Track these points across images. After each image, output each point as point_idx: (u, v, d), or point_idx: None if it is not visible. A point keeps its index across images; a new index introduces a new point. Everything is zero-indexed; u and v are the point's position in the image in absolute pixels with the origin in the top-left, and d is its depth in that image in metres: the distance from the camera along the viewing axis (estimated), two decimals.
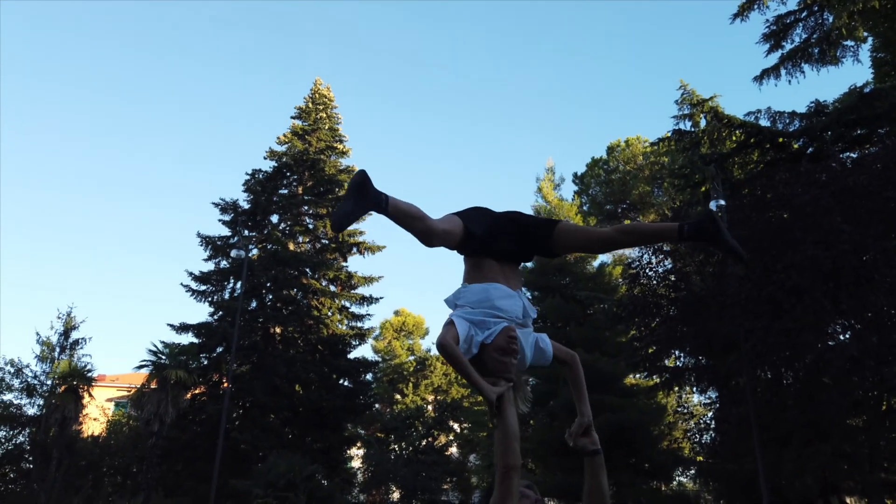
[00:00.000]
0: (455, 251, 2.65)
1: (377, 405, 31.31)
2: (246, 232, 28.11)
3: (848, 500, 16.70)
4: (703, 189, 18.09)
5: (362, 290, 28.59)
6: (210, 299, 26.90)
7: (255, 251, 27.70)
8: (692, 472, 23.79)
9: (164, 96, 70.17)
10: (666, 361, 17.95)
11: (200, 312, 64.49)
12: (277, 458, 19.95)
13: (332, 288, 28.41)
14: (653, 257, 16.45)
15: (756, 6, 18.65)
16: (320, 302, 27.38)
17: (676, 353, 17.34)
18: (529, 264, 24.45)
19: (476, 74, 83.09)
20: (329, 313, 27.64)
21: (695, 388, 20.67)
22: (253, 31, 79.98)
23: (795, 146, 17.64)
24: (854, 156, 16.17)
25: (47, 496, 21.95)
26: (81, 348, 26.12)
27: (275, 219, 29.12)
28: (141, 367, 23.43)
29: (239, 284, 25.61)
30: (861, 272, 12.10)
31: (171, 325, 25.83)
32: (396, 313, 40.09)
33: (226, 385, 22.52)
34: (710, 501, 24.06)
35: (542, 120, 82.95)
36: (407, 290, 76.05)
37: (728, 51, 77.61)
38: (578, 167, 44.61)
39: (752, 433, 13.43)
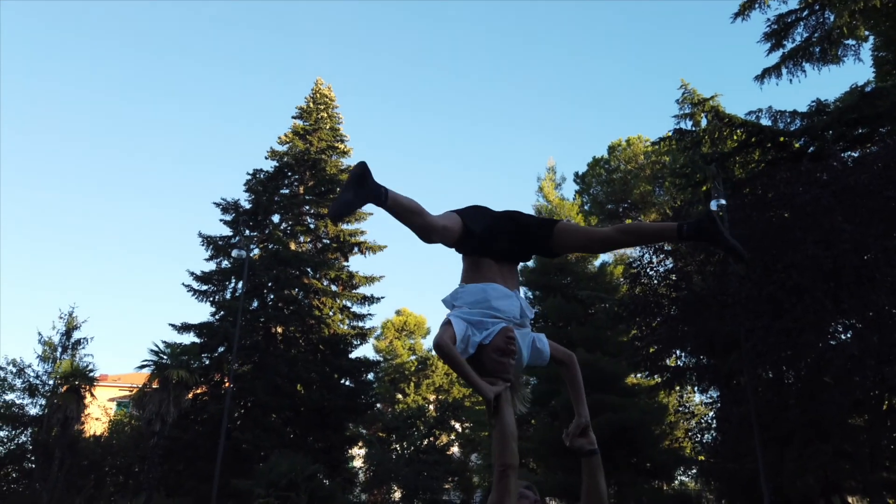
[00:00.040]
0: (453, 249, 2.64)
1: (378, 405, 31.33)
2: (247, 232, 28.14)
3: (850, 500, 16.68)
4: (704, 188, 18.08)
5: (363, 290, 28.63)
6: (211, 299, 26.95)
7: (256, 251, 27.74)
8: (693, 471, 23.77)
9: (165, 96, 70.27)
10: (667, 361, 17.95)
11: (202, 312, 64.67)
12: (279, 457, 19.96)
13: (334, 288, 28.43)
14: (654, 257, 16.45)
15: (757, 5, 18.63)
16: (322, 302, 27.40)
17: (677, 352, 17.34)
18: (531, 264, 24.46)
19: (477, 74, 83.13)
20: (330, 313, 27.66)
21: (696, 388, 20.67)
22: (254, 31, 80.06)
23: (796, 145, 17.63)
24: (855, 155, 16.16)
25: (49, 496, 21.99)
26: (83, 348, 26.19)
27: (276, 218, 29.15)
28: (142, 366, 23.46)
29: (240, 284, 25.64)
30: (862, 271, 12.09)
31: (173, 325, 25.93)
32: (398, 313, 40.12)
33: (227, 385, 22.54)
34: (711, 501, 24.05)
35: (543, 119, 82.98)
36: (408, 290, 76.13)
37: (729, 50, 77.59)
38: (579, 166, 44.54)
39: (753, 432, 13.43)
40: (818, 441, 13.43)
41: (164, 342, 23.75)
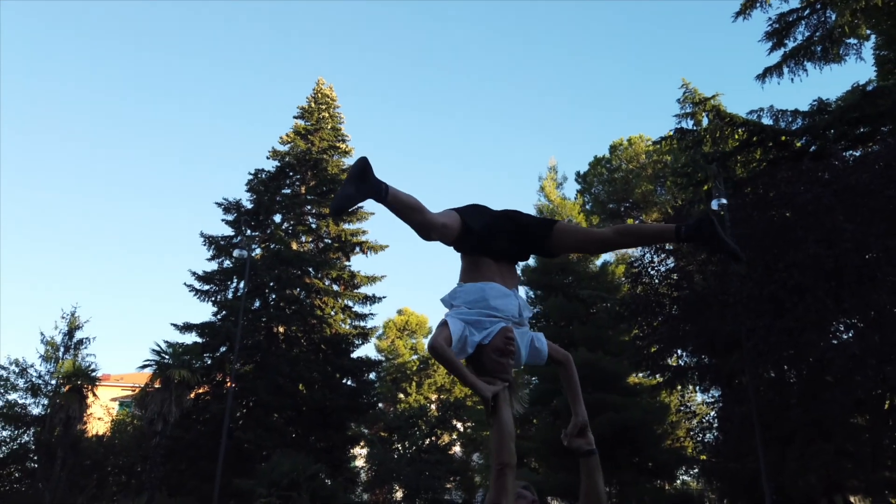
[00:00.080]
0: (452, 247, 2.64)
1: (380, 404, 31.34)
2: (249, 231, 28.17)
3: (852, 499, 16.66)
4: (706, 188, 18.07)
5: (365, 290, 28.64)
6: (213, 299, 26.99)
7: (258, 251, 27.76)
8: (695, 471, 23.76)
9: (166, 96, 70.38)
10: (668, 360, 17.95)
11: (204, 312, 64.83)
12: (281, 457, 19.98)
13: (335, 287, 28.44)
14: (655, 256, 16.45)
15: (758, 4, 18.60)
16: (323, 301, 27.41)
17: (679, 352, 17.33)
18: (532, 263, 24.45)
19: (478, 74, 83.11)
20: (332, 313, 27.67)
21: (697, 387, 20.65)
22: (255, 31, 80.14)
23: (798, 144, 17.61)
24: (857, 154, 16.13)
25: (52, 495, 22.05)
26: (85, 348, 26.26)
27: (278, 218, 29.18)
28: (144, 366, 23.50)
29: (242, 284, 25.67)
30: (863, 271, 12.08)
31: (175, 325, 25.95)
32: (399, 312, 40.14)
33: (229, 384, 22.57)
34: (713, 501, 24.04)
35: (544, 119, 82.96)
36: (410, 290, 76.15)
37: (730, 49, 77.50)
38: (581, 166, 44.53)
39: (755, 432, 13.42)
40: (820, 440, 13.42)
41: (166, 342, 23.80)
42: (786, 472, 14.60)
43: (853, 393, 12.15)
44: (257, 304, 26.83)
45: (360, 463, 29.33)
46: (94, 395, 24.96)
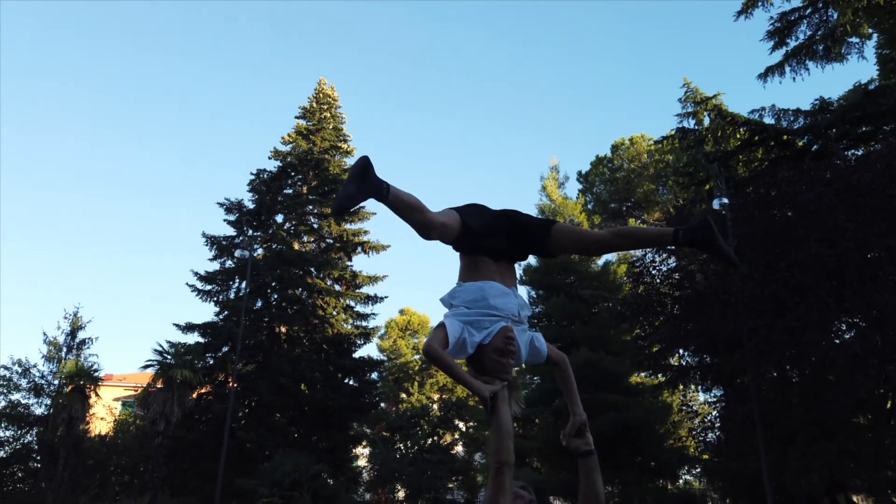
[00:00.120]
0: (451, 246, 2.65)
1: (382, 404, 31.35)
2: (251, 232, 28.21)
3: (855, 499, 16.64)
4: (707, 187, 18.04)
5: (367, 290, 28.67)
6: (215, 299, 27.03)
7: (260, 251, 27.79)
8: (698, 470, 23.75)
9: (168, 96, 70.49)
10: (670, 360, 17.93)
11: (206, 312, 64.86)
12: (283, 457, 20.00)
13: (337, 287, 28.47)
14: (656, 256, 16.43)
15: (760, 3, 18.56)
16: (325, 301, 27.44)
17: (680, 351, 17.32)
18: (534, 263, 24.45)
19: (480, 74, 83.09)
20: (334, 312, 27.69)
21: (699, 387, 20.64)
22: (257, 32, 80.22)
23: (800, 144, 17.57)
24: (859, 153, 16.10)
25: (55, 495, 22.10)
26: (88, 348, 26.36)
27: (279, 218, 29.22)
28: (147, 366, 23.56)
29: (244, 284, 25.72)
30: (865, 270, 12.06)
31: (177, 325, 26.01)
32: (401, 312, 40.18)
33: (231, 384, 22.60)
34: (716, 500, 24.02)
35: (546, 119, 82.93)
36: (412, 289, 76.18)
37: (732, 48, 77.41)
38: (583, 165, 44.57)
39: (757, 432, 13.41)
40: (822, 440, 13.40)
41: (169, 342, 23.87)
42: (788, 471, 14.58)
43: (855, 392, 12.12)
44: (259, 304, 26.87)
45: (362, 463, 29.35)
46: (97, 395, 25.02)
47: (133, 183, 69.78)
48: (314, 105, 31.31)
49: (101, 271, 68.78)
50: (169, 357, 23.23)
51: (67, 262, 68.05)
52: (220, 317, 26.47)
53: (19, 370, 25.24)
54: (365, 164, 2.26)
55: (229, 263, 27.57)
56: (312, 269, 27.86)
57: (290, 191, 29.79)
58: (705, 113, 20.04)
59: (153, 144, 70.03)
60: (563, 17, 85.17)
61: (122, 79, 69.17)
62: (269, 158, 30.38)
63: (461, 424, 30.88)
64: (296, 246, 28.27)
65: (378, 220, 33.34)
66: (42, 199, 64.31)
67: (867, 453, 13.66)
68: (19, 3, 58.38)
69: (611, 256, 26.63)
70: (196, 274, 27.08)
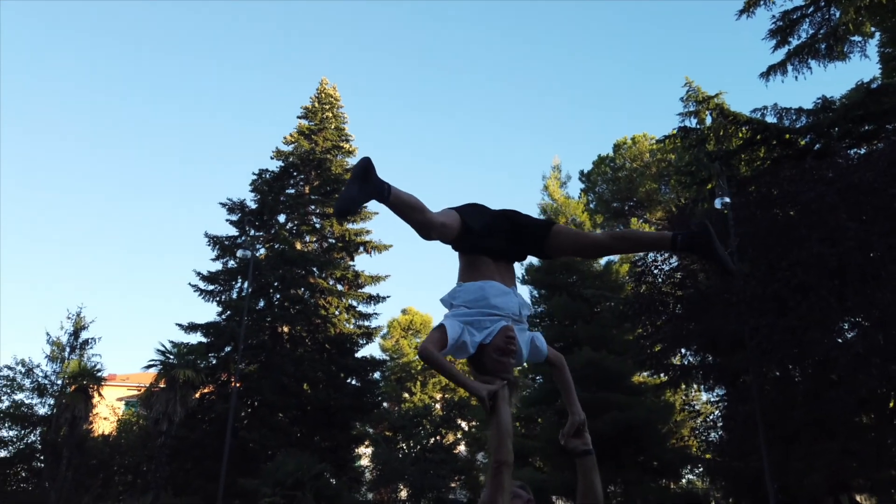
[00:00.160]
0: (450, 246, 2.66)
1: (385, 404, 31.35)
2: (253, 232, 28.26)
3: (858, 498, 16.62)
4: (709, 186, 18.03)
5: (369, 289, 28.68)
6: (218, 299, 27.07)
7: (262, 251, 27.82)
8: (700, 470, 23.73)
9: (170, 96, 70.60)
10: (673, 360, 17.93)
11: (209, 312, 64.91)
12: (285, 456, 20.03)
13: (340, 287, 28.49)
14: (658, 255, 16.42)
15: (762, 2, 18.53)
16: (328, 301, 27.46)
17: (683, 351, 17.32)
18: (535, 262, 24.43)
19: (482, 74, 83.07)
20: (336, 312, 27.72)
21: (702, 386, 20.62)
22: (259, 32, 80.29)
23: (802, 143, 17.55)
24: (862, 152, 16.08)
25: (58, 495, 22.15)
26: (91, 348, 26.41)
27: (282, 218, 29.26)
28: (150, 366, 23.61)
29: (247, 284, 25.76)
30: (867, 269, 12.04)
31: (180, 325, 26.04)
32: (404, 312, 40.20)
33: (234, 384, 22.65)
34: (719, 500, 24.00)
35: (548, 118, 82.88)
36: (414, 289, 76.14)
37: (734, 47, 77.28)
38: (585, 165, 44.55)
39: (759, 431, 13.41)
40: (824, 439, 13.39)
41: (171, 342, 23.92)
42: (790, 471, 14.57)
43: (857, 392, 12.11)
44: (262, 304, 26.91)
45: (364, 462, 29.37)
46: (100, 394, 25.07)
47: (135, 183, 69.95)
48: (316, 105, 31.34)
49: (103, 271, 68.97)
50: (172, 357, 23.28)
51: (70, 263, 68.24)
52: (223, 317, 26.52)
53: (23, 370, 25.32)
54: (366, 165, 2.26)
55: (232, 263, 27.62)
56: (315, 269, 27.89)
57: (293, 191, 29.82)
58: (707, 112, 20.01)
59: (155, 144, 70.18)
60: (564, 16, 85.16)
61: (124, 79, 69.34)
62: (272, 158, 30.45)
63: (464, 424, 30.89)
64: (298, 246, 28.30)
65: (380, 220, 33.33)
66: (44, 200, 64.51)
67: (869, 453, 13.64)
68: (19, 4, 58.54)
69: (613, 256, 26.63)
70: (199, 274, 27.15)
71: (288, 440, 23.44)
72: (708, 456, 20.64)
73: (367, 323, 28.35)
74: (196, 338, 25.87)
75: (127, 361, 70.61)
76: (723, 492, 21.78)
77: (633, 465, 20.30)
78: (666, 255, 16.27)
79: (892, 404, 13.55)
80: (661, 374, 18.90)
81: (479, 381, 2.41)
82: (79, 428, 23.55)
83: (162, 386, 22.88)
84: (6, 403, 25.03)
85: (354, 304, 28.45)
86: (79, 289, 65.77)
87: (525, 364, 2.75)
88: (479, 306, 2.48)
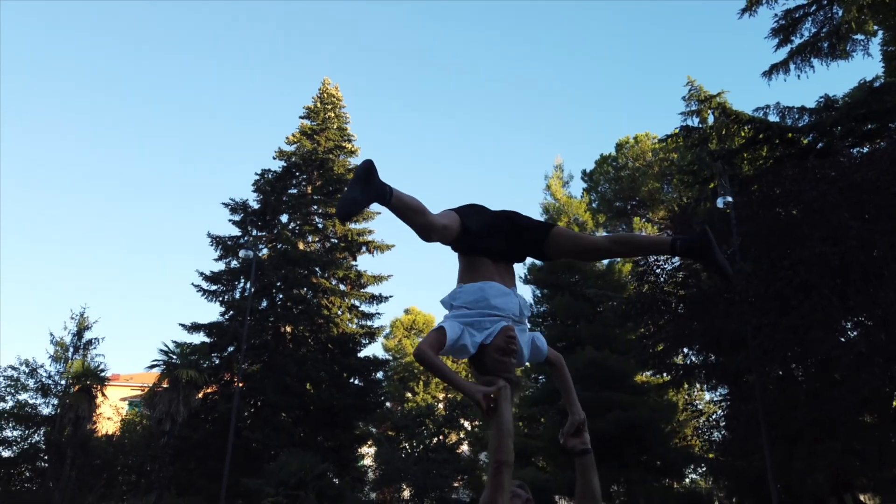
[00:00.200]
0: (450, 247, 2.66)
1: (388, 403, 31.38)
2: (256, 232, 28.30)
3: (862, 497, 16.59)
4: (712, 185, 18.01)
5: (372, 289, 28.71)
6: (221, 299, 27.11)
7: (265, 251, 27.86)
8: (704, 469, 23.71)
9: (172, 97, 70.71)
10: (675, 359, 17.91)
11: (212, 312, 64.93)
12: (288, 456, 20.07)
13: (342, 287, 28.52)
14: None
15: (765, 1, 18.52)
16: (330, 301, 27.49)
17: (685, 350, 17.30)
18: (538, 262, 24.45)
19: (484, 73, 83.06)
20: (339, 312, 27.75)
21: (705, 386, 20.60)
22: (261, 32, 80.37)
23: (805, 141, 17.52)
24: (865, 150, 16.05)
25: (62, 494, 22.20)
26: (94, 348, 26.43)
27: (284, 218, 29.29)
28: (153, 366, 23.65)
29: (249, 284, 25.80)
30: (869, 268, 12.02)
31: (183, 325, 26.11)
32: (406, 312, 40.25)
33: (237, 384, 22.68)
34: (722, 499, 23.98)
35: (550, 118, 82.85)
36: (417, 289, 76.17)
37: (736, 46, 77.12)
38: (587, 164, 44.45)
39: (761, 431, 13.39)
40: (827, 439, 13.36)
41: (174, 342, 23.96)
42: (793, 470, 14.55)
43: (860, 391, 12.09)
44: (264, 303, 26.95)
45: (367, 462, 29.41)
46: (104, 394, 25.12)
47: (138, 183, 70.06)
48: (318, 105, 31.37)
49: (107, 271, 69.11)
50: (175, 357, 23.32)
51: (74, 263, 68.42)
52: (226, 317, 26.56)
53: (27, 370, 25.37)
54: (368, 168, 2.26)
55: (234, 263, 27.67)
56: (317, 269, 27.92)
57: (295, 191, 29.86)
58: (709, 111, 19.99)
59: (158, 145, 70.31)
60: (566, 16, 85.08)
61: (127, 79, 69.44)
62: (274, 158, 30.51)
63: (466, 424, 30.90)
64: (300, 246, 28.33)
65: (382, 220, 33.34)
66: (47, 200, 64.65)
67: (872, 452, 13.62)
68: (20, 4, 58.66)
69: None
70: (201, 274, 27.20)
71: (291, 440, 23.47)
72: (711, 455, 20.60)
73: (369, 323, 28.39)
74: (199, 338, 25.96)
75: (130, 361, 70.96)
76: (726, 491, 21.76)
77: (637, 464, 20.29)
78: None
79: (894, 403, 13.52)
80: (664, 374, 18.87)
81: (480, 382, 2.42)
82: (82, 428, 23.59)
83: (165, 386, 22.92)
84: (10, 403, 25.10)
85: (357, 303, 28.49)
86: (82, 289, 65.93)
87: (528, 364, 2.75)
88: (480, 307, 2.48)
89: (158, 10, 72.23)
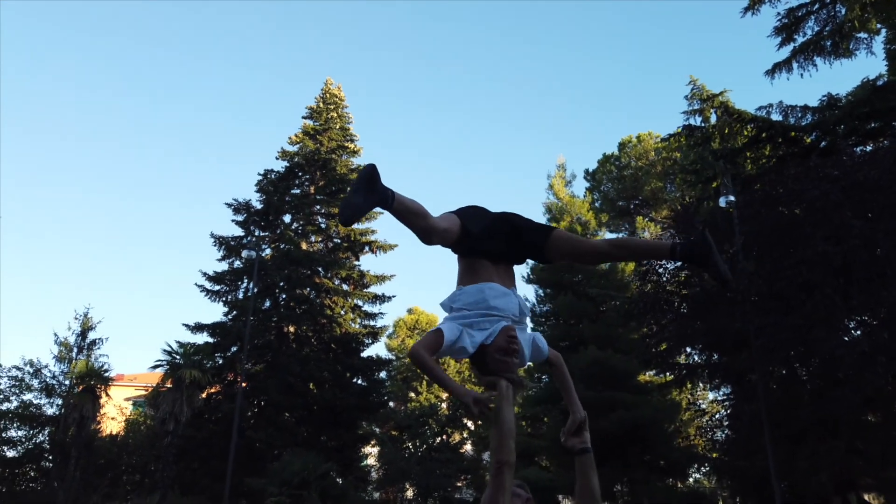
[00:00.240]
0: (450, 249, 2.66)
1: (391, 403, 31.40)
2: (259, 232, 28.33)
3: (866, 497, 16.54)
4: (715, 185, 17.99)
5: (375, 289, 28.73)
6: (224, 299, 27.16)
7: (268, 251, 27.91)
8: (707, 469, 23.69)
9: (175, 97, 70.86)
10: (678, 358, 17.89)
11: (215, 312, 65.19)
12: (292, 456, 20.09)
13: (345, 287, 28.55)
14: None
15: None
16: (333, 301, 27.52)
17: (688, 349, 17.28)
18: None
19: (487, 73, 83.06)
20: (342, 312, 27.78)
21: (708, 385, 20.58)
22: (264, 32, 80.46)
23: (808, 140, 17.49)
24: (868, 149, 16.00)
25: (66, 494, 22.27)
26: (98, 348, 26.51)
27: (287, 218, 29.31)
28: (156, 366, 23.70)
29: (252, 284, 25.84)
30: (872, 267, 11.98)
31: (187, 325, 26.16)
32: (410, 311, 40.25)
33: (240, 384, 22.72)
34: (726, 499, 23.95)
35: (552, 117, 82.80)
36: (420, 289, 76.26)
37: (739, 45, 76.97)
38: (590, 164, 44.40)
39: (764, 430, 13.37)
40: (830, 438, 13.33)
41: (178, 342, 24.01)
42: (797, 470, 14.52)
43: (863, 390, 12.06)
44: (268, 303, 26.99)
45: (370, 462, 29.42)
46: (108, 395, 25.19)
47: (141, 183, 70.21)
48: (321, 105, 31.40)
49: (110, 272, 69.27)
50: (178, 357, 23.37)
51: (77, 263, 68.57)
52: (229, 317, 26.61)
53: (31, 371, 25.46)
54: (371, 173, 2.26)
55: (238, 264, 27.71)
56: (320, 269, 27.95)
57: (298, 191, 29.90)
58: (712, 110, 19.97)
59: (161, 145, 70.47)
60: (569, 15, 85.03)
61: (130, 79, 69.59)
62: (277, 159, 30.58)
63: (469, 423, 30.90)
64: (303, 246, 28.37)
65: (385, 220, 33.41)
66: (50, 200, 64.81)
67: (876, 451, 13.59)
68: (20, 4, 58.78)
69: None
70: (205, 274, 27.26)
71: (294, 440, 23.51)
72: (714, 455, 20.58)
73: (372, 322, 28.42)
74: (202, 338, 26.01)
75: (134, 361, 71.15)
76: (729, 491, 21.73)
77: (640, 464, 20.28)
78: None
79: None
80: (667, 373, 18.86)
81: (483, 382, 2.43)
82: (87, 428, 23.66)
83: (168, 386, 22.97)
84: (15, 404, 25.19)
85: (360, 303, 28.52)
86: (86, 289, 66.11)
87: (531, 364, 2.76)
88: (479, 308, 2.49)
89: (161, 9, 72.40)
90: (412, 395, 34.65)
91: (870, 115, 16.20)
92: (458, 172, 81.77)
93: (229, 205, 28.47)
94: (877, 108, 15.90)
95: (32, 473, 25.03)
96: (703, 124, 20.27)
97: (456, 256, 2.73)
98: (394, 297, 28.78)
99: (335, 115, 31.26)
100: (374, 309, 28.43)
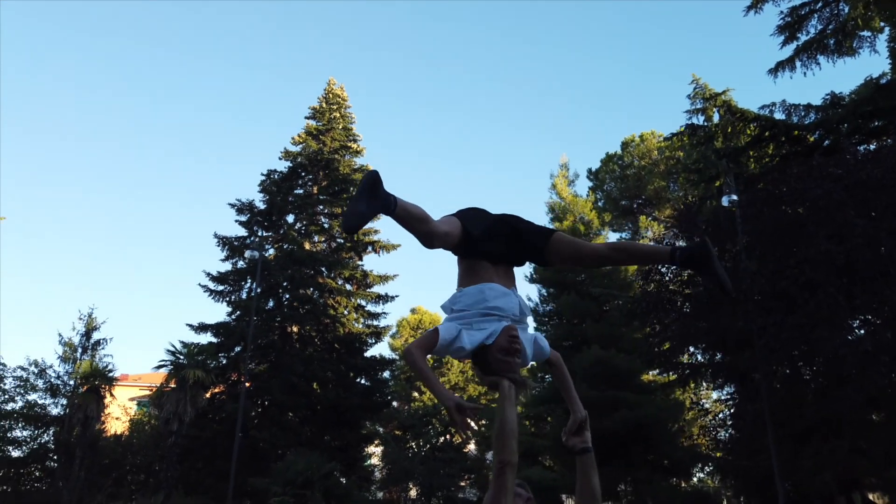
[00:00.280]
0: (451, 251, 2.67)
1: (394, 403, 31.41)
2: (262, 232, 28.38)
3: (871, 497, 16.51)
4: (717, 184, 17.97)
5: (378, 289, 28.76)
6: (228, 299, 27.22)
7: (271, 251, 27.95)
8: (711, 468, 23.65)
9: (178, 97, 70.97)
10: (682, 358, 17.88)
11: (218, 312, 65.21)
12: (295, 456, 20.12)
13: (348, 287, 28.58)
14: None
15: None
16: (336, 301, 27.56)
17: (691, 349, 17.26)
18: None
19: (489, 73, 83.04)
20: (345, 312, 27.81)
21: (711, 385, 20.56)
22: (266, 32, 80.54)
23: (811, 139, 17.45)
24: (871, 148, 15.97)
25: (71, 494, 22.33)
26: (103, 349, 26.53)
27: (290, 218, 29.37)
28: (160, 367, 23.76)
29: (255, 284, 25.87)
30: (875, 266, 11.96)
31: (190, 325, 26.23)
32: (413, 311, 40.28)
33: (244, 384, 22.77)
34: (730, 499, 23.91)
35: (555, 117, 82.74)
36: (423, 288, 76.29)
37: (742, 44, 76.82)
38: (593, 163, 44.38)
39: (768, 430, 13.35)
40: (833, 438, 13.31)
41: (182, 342, 24.08)
42: (800, 469, 14.50)
43: (866, 390, 12.03)
44: (271, 304, 27.03)
45: (374, 461, 29.44)
46: (112, 395, 25.24)
47: (144, 183, 70.35)
48: (324, 105, 31.44)
49: (114, 272, 69.43)
50: (182, 357, 23.42)
51: (81, 263, 68.75)
52: (233, 317, 26.66)
53: (36, 371, 25.52)
54: (374, 179, 2.27)
55: (241, 264, 27.75)
56: (323, 269, 27.99)
57: (301, 191, 29.93)
58: (715, 109, 19.97)
59: (164, 145, 70.60)
60: (571, 15, 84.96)
61: (132, 79, 69.72)
62: (280, 159, 30.61)
63: (473, 423, 30.88)
64: (307, 246, 28.41)
65: (388, 220, 33.17)
66: (53, 200, 64.98)
67: (879, 451, 13.56)
68: (20, 4, 58.92)
69: None
70: (208, 274, 27.31)
71: (298, 439, 23.54)
72: (718, 454, 20.57)
73: (375, 322, 28.44)
74: (206, 338, 26.07)
75: (138, 362, 71.20)
76: (733, 490, 21.69)
77: (643, 463, 20.26)
78: None
79: None
80: (670, 373, 18.85)
81: (485, 382, 2.44)
82: (91, 428, 23.72)
83: (172, 386, 23.03)
84: (20, 404, 25.26)
85: (363, 303, 28.55)
86: (90, 290, 66.28)
87: (534, 363, 2.77)
88: (480, 308, 2.50)
89: (163, 9, 72.51)
90: (416, 394, 34.67)
91: (873, 114, 16.17)
92: (462, 172, 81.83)
93: (232, 205, 28.55)
94: (880, 107, 15.86)
95: (37, 473, 25.09)
96: (705, 123, 20.27)
97: (456, 257, 2.74)
98: (397, 296, 28.86)
99: (338, 115, 31.29)
100: (378, 309, 28.49)
